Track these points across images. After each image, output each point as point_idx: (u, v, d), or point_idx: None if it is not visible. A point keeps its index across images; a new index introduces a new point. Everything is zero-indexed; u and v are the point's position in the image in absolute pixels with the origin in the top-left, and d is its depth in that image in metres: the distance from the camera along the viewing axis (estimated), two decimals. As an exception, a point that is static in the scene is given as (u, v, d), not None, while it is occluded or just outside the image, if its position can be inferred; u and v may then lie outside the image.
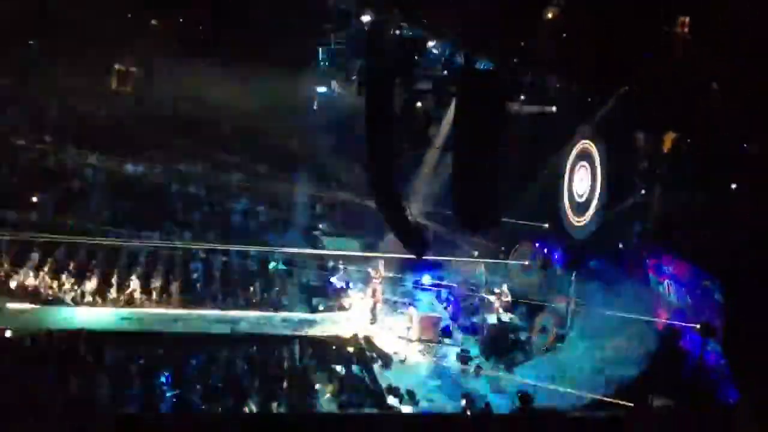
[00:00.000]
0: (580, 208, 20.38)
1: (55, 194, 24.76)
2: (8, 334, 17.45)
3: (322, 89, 27.28)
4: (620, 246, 21.04)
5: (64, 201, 24.59)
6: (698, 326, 17.05)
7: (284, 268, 23.54)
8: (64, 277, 20.65)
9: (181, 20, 25.64)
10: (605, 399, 16.61)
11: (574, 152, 20.53)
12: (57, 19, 23.04)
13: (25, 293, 19.84)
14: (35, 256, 21.16)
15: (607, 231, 19.79)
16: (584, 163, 20.18)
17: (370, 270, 21.73)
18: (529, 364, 19.60)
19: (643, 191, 20.06)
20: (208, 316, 20.10)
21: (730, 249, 16.09)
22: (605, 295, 20.17)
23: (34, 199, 24.10)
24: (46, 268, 20.86)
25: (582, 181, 20.29)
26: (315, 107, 27.50)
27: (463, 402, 17.12)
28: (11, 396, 14.89)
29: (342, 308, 21.66)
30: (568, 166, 20.74)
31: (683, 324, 18.14)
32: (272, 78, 23.81)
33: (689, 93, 17.33)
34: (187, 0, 25.09)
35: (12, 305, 19.15)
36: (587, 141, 20.05)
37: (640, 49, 17.80)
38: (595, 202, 19.62)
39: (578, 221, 20.58)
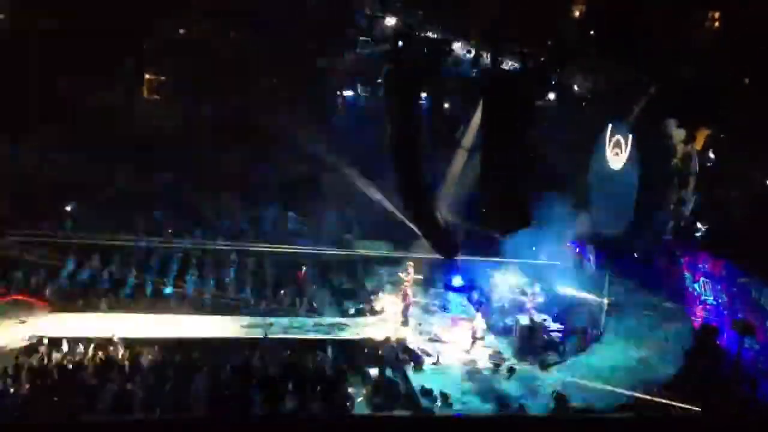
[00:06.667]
0: (613, 207, 20.19)
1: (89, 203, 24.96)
2: (45, 341, 17.71)
3: (348, 92, 27.42)
4: (654, 244, 20.74)
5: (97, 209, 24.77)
6: (735, 323, 16.85)
7: (316, 272, 23.63)
8: (99, 283, 20.97)
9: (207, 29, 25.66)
10: (641, 399, 16.44)
11: (608, 151, 20.33)
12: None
13: (62, 300, 20.13)
14: (71, 263, 21.50)
15: (641, 229, 19.56)
16: (617, 161, 19.98)
17: (401, 273, 21.70)
18: (563, 364, 19.41)
19: (676, 189, 19.78)
20: (241, 321, 20.19)
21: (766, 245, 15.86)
22: (640, 294, 19.96)
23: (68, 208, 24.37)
24: (81, 275, 21.20)
25: (615, 179, 20.09)
26: (341, 110, 27.63)
27: (497, 404, 17.04)
28: (48, 401, 15.18)
29: (374, 311, 21.66)
30: (602, 165, 20.55)
31: (720, 321, 17.92)
32: (298, 81, 23.90)
33: (722, 89, 17.13)
34: (212, 8, 25.09)
35: (49, 312, 19.43)
36: (620, 139, 19.86)
37: (670, 45, 17.62)
38: (629, 201, 19.41)
39: (612, 219, 20.39)
